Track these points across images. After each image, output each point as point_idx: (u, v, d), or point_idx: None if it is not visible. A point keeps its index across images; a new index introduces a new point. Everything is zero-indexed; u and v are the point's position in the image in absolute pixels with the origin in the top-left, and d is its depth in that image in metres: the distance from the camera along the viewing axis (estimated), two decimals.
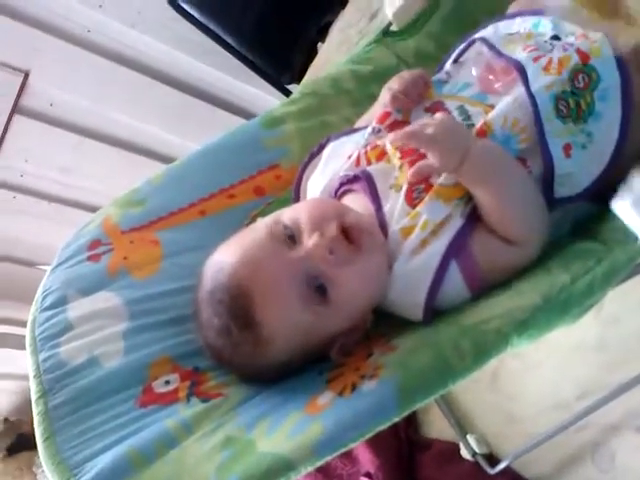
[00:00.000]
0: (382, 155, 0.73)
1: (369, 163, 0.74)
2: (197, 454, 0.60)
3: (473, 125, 0.69)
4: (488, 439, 1.03)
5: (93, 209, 2.17)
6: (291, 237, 0.66)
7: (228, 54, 1.91)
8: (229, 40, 1.90)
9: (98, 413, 0.65)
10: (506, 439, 1.01)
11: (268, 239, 0.66)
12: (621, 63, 0.67)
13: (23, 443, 2.33)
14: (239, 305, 0.63)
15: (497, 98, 0.71)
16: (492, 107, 0.70)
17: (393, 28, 0.97)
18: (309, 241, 0.65)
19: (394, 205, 0.69)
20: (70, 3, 1.86)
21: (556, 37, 0.73)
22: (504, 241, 0.66)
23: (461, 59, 0.80)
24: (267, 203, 0.86)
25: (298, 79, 1.86)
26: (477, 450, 1.01)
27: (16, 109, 1.94)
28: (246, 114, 2.23)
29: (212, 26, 1.88)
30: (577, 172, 0.67)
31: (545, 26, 0.75)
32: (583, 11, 0.69)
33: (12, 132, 1.96)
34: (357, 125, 0.85)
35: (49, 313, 0.73)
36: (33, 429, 0.65)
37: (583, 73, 0.67)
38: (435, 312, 0.67)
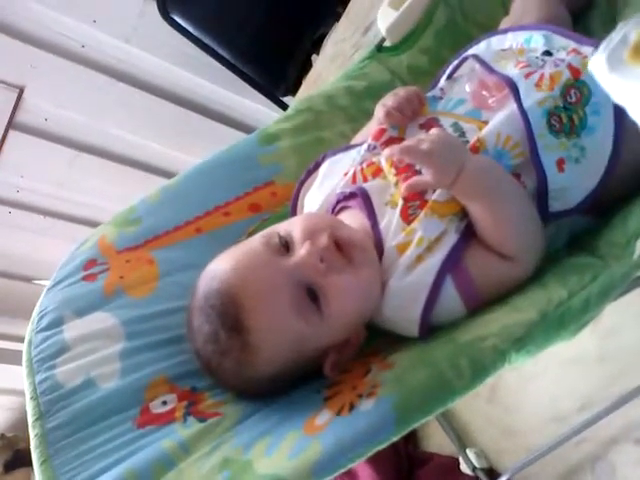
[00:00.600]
0: (378, 172, 0.74)
1: (365, 180, 0.74)
2: (195, 476, 0.59)
3: (467, 142, 0.69)
4: (488, 453, 1.02)
5: (89, 223, 2.18)
6: (284, 246, 0.67)
7: (223, 67, 1.92)
8: (223, 53, 1.90)
9: (95, 435, 0.64)
10: (506, 453, 1.01)
11: (262, 248, 0.67)
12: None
13: (20, 459, 2.31)
14: (229, 310, 0.63)
15: (491, 114, 0.71)
16: (486, 123, 0.70)
17: (386, 43, 0.97)
18: (301, 249, 0.65)
19: (390, 221, 0.69)
20: (64, 19, 1.87)
21: (548, 52, 0.73)
22: (499, 257, 0.66)
23: (455, 75, 0.81)
24: (263, 219, 0.86)
25: (293, 91, 1.87)
26: (477, 464, 1.01)
27: (11, 125, 1.94)
28: (242, 127, 2.23)
29: (205, 39, 1.89)
30: (571, 186, 0.68)
31: (537, 41, 0.76)
32: None
33: (7, 148, 1.96)
34: (353, 142, 0.85)
35: (45, 334, 0.72)
36: (30, 445, 0.65)
37: (575, 88, 0.68)
38: (431, 328, 0.67)
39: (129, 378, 0.69)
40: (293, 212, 0.84)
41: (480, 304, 0.66)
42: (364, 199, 0.72)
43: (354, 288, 0.66)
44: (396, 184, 0.70)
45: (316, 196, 0.79)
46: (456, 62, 0.80)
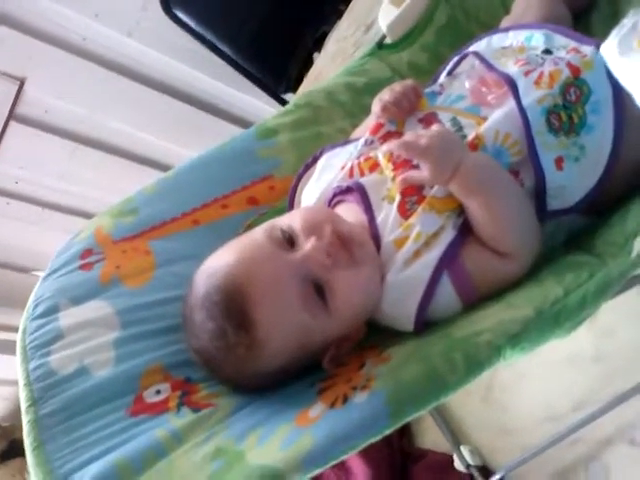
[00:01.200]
0: (375, 166, 0.74)
1: (362, 174, 0.74)
2: (187, 465, 0.59)
3: (465, 137, 0.69)
4: (482, 451, 1.02)
5: (87, 216, 2.18)
6: (289, 240, 0.67)
7: (224, 63, 1.92)
8: (224, 49, 1.90)
9: (88, 422, 0.64)
10: (500, 451, 1.01)
11: (265, 241, 0.67)
12: (612, 75, 0.67)
13: (16, 449, 2.31)
14: (235, 304, 0.63)
15: (490, 110, 0.71)
16: (485, 119, 0.70)
17: (387, 40, 0.97)
18: (307, 244, 0.65)
19: (387, 216, 0.69)
20: (66, 11, 1.87)
21: (548, 51, 0.73)
22: (496, 254, 0.66)
23: (455, 72, 0.81)
24: (261, 213, 0.86)
25: (294, 88, 1.87)
26: (471, 462, 1.01)
27: (11, 116, 1.93)
28: (242, 122, 2.23)
29: (207, 34, 1.89)
30: (570, 185, 0.68)
31: (537, 40, 0.76)
32: None
33: (7, 139, 1.95)
34: (352, 137, 0.85)
35: (40, 322, 0.72)
36: None
37: (574, 87, 0.68)
38: (427, 324, 0.67)
39: (123, 366, 0.69)
40: (290, 206, 0.83)
41: (476, 300, 0.66)
42: (361, 193, 0.72)
43: (359, 283, 0.66)
44: (393, 179, 0.70)
45: (313, 190, 0.79)
46: (456, 59, 0.80)
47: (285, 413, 0.61)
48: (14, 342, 0.73)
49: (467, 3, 0.95)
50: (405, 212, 0.68)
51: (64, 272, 0.78)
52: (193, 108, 2.15)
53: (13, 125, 1.95)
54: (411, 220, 0.67)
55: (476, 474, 1.00)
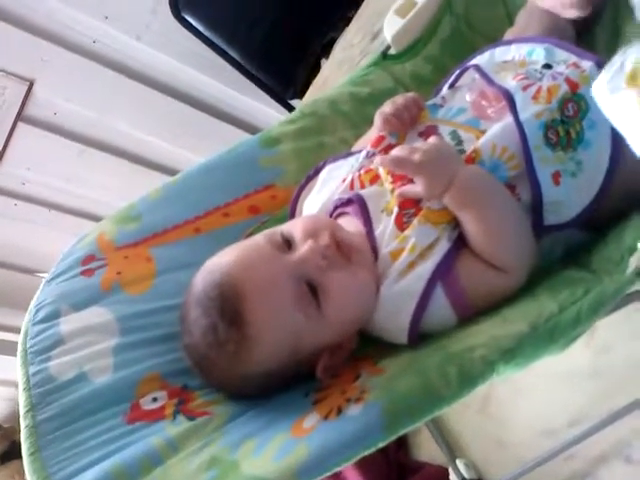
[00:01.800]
0: (375, 179, 0.74)
1: (362, 186, 0.75)
2: (182, 473, 0.59)
3: (464, 151, 0.70)
4: (477, 464, 1.02)
5: (93, 218, 2.19)
6: (287, 243, 0.68)
7: (232, 68, 1.93)
8: (233, 54, 1.91)
9: (85, 429, 0.65)
10: (495, 465, 1.00)
11: (264, 244, 0.68)
12: None
13: (16, 450, 2.32)
14: (229, 301, 0.64)
15: (489, 124, 0.72)
16: (484, 133, 0.71)
17: (392, 51, 0.97)
18: (303, 246, 0.66)
19: (385, 228, 0.70)
20: (76, 14, 1.88)
21: (548, 65, 0.74)
22: (490, 267, 0.66)
23: (457, 84, 0.81)
24: (262, 222, 0.86)
25: (301, 95, 1.87)
26: (466, 475, 1.01)
27: (20, 117, 1.95)
28: (249, 127, 2.24)
29: (216, 39, 1.90)
30: (566, 200, 0.68)
31: (538, 54, 0.76)
32: None
33: (15, 140, 1.97)
34: (354, 148, 0.86)
35: (41, 326, 0.73)
36: None
37: (572, 102, 0.68)
38: (422, 336, 0.67)
39: (121, 373, 0.69)
40: (292, 216, 0.84)
41: (471, 313, 0.67)
42: (360, 206, 0.72)
43: (353, 286, 0.67)
44: (392, 191, 0.71)
45: (315, 201, 0.80)
46: (458, 71, 0.81)
47: (280, 422, 0.61)
48: (11, 342, 0.74)
49: (471, 15, 0.95)
50: (402, 224, 0.69)
51: (66, 277, 0.79)
52: (200, 112, 2.16)
53: (21, 126, 1.97)
54: (407, 232, 0.68)
55: None
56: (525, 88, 0.70)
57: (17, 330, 0.76)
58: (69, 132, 2.04)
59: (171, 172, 2.19)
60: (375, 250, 0.70)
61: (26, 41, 1.86)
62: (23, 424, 0.66)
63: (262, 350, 0.64)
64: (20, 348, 0.73)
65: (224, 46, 1.91)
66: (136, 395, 0.68)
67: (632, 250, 0.61)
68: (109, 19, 1.91)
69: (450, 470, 1.04)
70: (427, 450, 1.10)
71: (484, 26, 0.95)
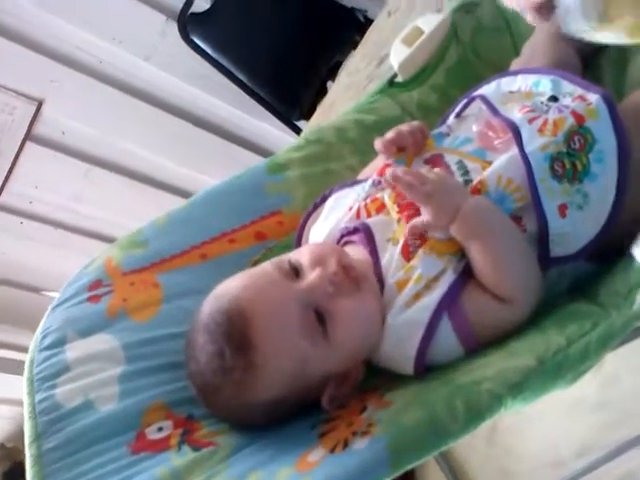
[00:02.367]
0: (381, 207, 0.74)
1: (369, 215, 0.75)
2: None
3: (471, 181, 0.70)
4: None
5: (100, 237, 2.20)
6: (294, 270, 0.68)
7: (239, 90, 1.95)
8: (240, 76, 1.93)
9: (90, 458, 0.65)
10: None
11: (273, 271, 0.68)
12: (618, 125, 0.68)
13: (20, 470, 2.31)
14: (235, 327, 0.64)
15: (496, 155, 0.72)
16: (490, 163, 0.71)
17: (398, 79, 0.98)
18: (312, 274, 0.67)
19: (391, 258, 0.70)
20: (86, 35, 1.91)
21: (554, 98, 0.74)
22: (496, 299, 0.66)
23: (463, 114, 0.81)
24: (268, 248, 0.86)
25: (307, 116, 1.88)
26: None
27: (28, 136, 1.97)
28: (255, 148, 2.26)
29: (224, 61, 1.92)
30: (573, 232, 0.68)
31: (545, 86, 0.77)
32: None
33: (23, 159, 1.99)
34: (360, 176, 0.86)
35: (47, 353, 0.73)
36: None
37: (579, 135, 0.68)
38: (428, 367, 0.67)
39: (127, 402, 0.69)
40: (298, 244, 0.84)
41: (477, 344, 0.66)
42: (367, 235, 0.72)
43: (361, 313, 0.67)
44: (398, 221, 0.71)
45: (321, 229, 0.80)
46: (465, 101, 0.81)
47: (286, 456, 0.61)
48: (15, 361, 0.74)
49: (478, 44, 0.96)
50: (408, 254, 0.69)
51: (73, 303, 0.79)
52: (207, 132, 2.18)
53: (30, 145, 1.99)
54: (412, 262, 0.68)
55: None
56: (531, 120, 0.70)
57: (22, 348, 0.76)
58: (77, 152, 2.06)
59: (178, 192, 2.21)
60: (381, 280, 0.70)
61: (35, 62, 1.88)
62: (28, 453, 0.66)
63: (268, 377, 0.64)
64: (26, 375, 0.73)
65: (231, 68, 1.93)
66: (141, 424, 0.68)
67: (639, 285, 0.61)
68: (118, 40, 1.94)
69: None
70: (433, 478, 1.09)
71: (490, 55, 0.95)
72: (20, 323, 2.06)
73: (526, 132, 0.69)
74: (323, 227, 0.80)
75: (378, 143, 0.77)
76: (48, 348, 0.74)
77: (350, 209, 0.77)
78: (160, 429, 0.68)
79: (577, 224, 0.67)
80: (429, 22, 0.96)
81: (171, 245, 0.85)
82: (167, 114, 2.10)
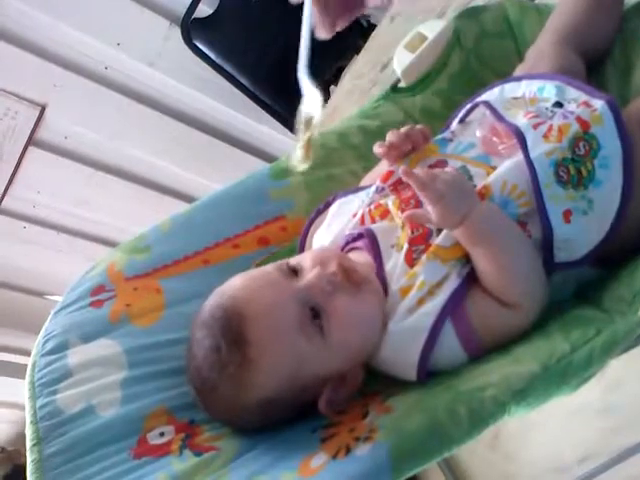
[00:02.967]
0: (386, 214, 0.74)
1: (373, 221, 0.75)
2: None
3: (475, 186, 0.70)
4: None
5: (102, 241, 2.21)
6: (294, 271, 0.68)
7: (242, 94, 1.95)
8: (243, 81, 1.94)
9: (91, 464, 0.65)
10: None
11: (273, 271, 0.69)
12: (623, 132, 0.68)
13: (19, 474, 2.31)
14: (232, 321, 0.64)
15: (500, 160, 0.72)
16: (494, 169, 0.71)
17: (401, 84, 0.98)
18: (310, 273, 0.67)
19: (395, 264, 0.70)
20: (89, 40, 1.91)
21: (559, 104, 0.74)
22: (500, 304, 0.66)
23: (467, 119, 0.81)
24: (271, 253, 0.86)
25: None
26: None
27: (31, 141, 1.97)
28: (258, 153, 2.26)
29: (227, 66, 1.92)
30: (577, 238, 0.67)
31: (549, 91, 0.76)
32: None
33: (26, 163, 1.99)
34: (363, 182, 0.86)
35: (49, 358, 0.73)
36: None
37: (584, 141, 0.68)
38: (431, 373, 0.66)
39: (129, 407, 0.69)
40: (301, 250, 0.84)
41: (481, 350, 0.66)
42: (371, 241, 0.72)
43: (357, 312, 0.67)
44: (402, 227, 0.71)
45: (324, 235, 0.80)
46: (468, 106, 0.81)
47: (287, 461, 0.60)
48: (16, 364, 0.74)
49: (481, 50, 0.96)
50: (411, 260, 0.69)
51: (75, 308, 0.79)
52: (211, 137, 2.18)
53: (32, 150, 1.99)
54: (416, 269, 0.68)
55: None
56: (536, 126, 0.70)
57: (23, 352, 0.76)
58: (79, 156, 2.06)
59: (181, 197, 2.21)
60: (385, 285, 0.70)
61: (38, 66, 1.89)
62: (30, 458, 0.66)
63: (264, 373, 0.64)
64: (28, 380, 0.72)
65: (234, 72, 1.93)
66: (143, 429, 0.68)
67: None
68: (121, 45, 1.94)
69: None
70: None
71: (493, 61, 0.95)
72: (23, 327, 2.06)
73: (531, 138, 0.69)
74: (327, 233, 0.79)
75: (377, 147, 0.77)
76: (50, 353, 0.74)
77: (354, 215, 0.77)
78: (162, 434, 0.68)
79: (581, 230, 0.67)
80: (432, 28, 0.96)
81: (174, 250, 0.85)
82: (170, 119, 2.11)
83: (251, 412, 0.67)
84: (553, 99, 0.75)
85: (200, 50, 1.90)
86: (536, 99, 0.76)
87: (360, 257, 0.73)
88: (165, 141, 2.12)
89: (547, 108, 0.73)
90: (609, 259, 0.70)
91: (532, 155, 0.68)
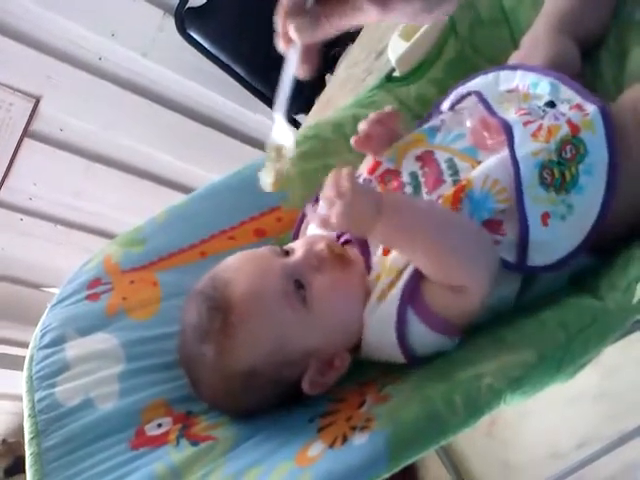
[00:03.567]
0: None
1: None
2: None
3: (459, 180, 0.69)
4: None
5: (99, 233, 2.21)
6: (285, 252, 0.70)
7: (237, 83, 1.94)
8: (238, 70, 1.93)
9: (90, 456, 0.65)
10: None
11: (265, 250, 0.71)
12: (612, 141, 0.66)
13: (21, 465, 2.32)
14: (217, 290, 0.66)
15: (487, 155, 0.70)
16: (480, 163, 0.70)
17: (396, 73, 0.97)
18: (299, 251, 0.69)
19: (378, 255, 0.70)
20: (83, 31, 1.90)
21: (551, 103, 0.73)
22: (449, 289, 0.64)
23: (458, 107, 0.80)
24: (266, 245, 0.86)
25: (305, 110, 1.88)
26: None
27: (26, 133, 1.97)
28: (254, 142, 2.25)
29: (221, 56, 1.91)
30: (553, 242, 0.66)
31: (543, 88, 0.75)
32: None
33: (22, 156, 1.99)
34: (358, 172, 0.86)
35: (47, 351, 0.74)
36: None
37: (571, 145, 0.66)
38: (425, 358, 0.66)
39: (127, 400, 0.69)
40: (295, 240, 0.84)
41: (457, 329, 0.65)
42: None
43: (341, 287, 0.68)
44: None
45: (317, 229, 0.79)
46: (461, 92, 0.80)
47: (285, 450, 0.61)
48: (16, 356, 0.74)
49: (476, 38, 0.95)
50: (387, 250, 0.69)
51: (72, 301, 0.79)
52: (206, 127, 2.18)
53: (28, 142, 1.98)
54: (388, 256, 0.68)
55: None
56: (526, 124, 0.69)
57: (22, 344, 0.76)
58: (75, 148, 2.06)
59: (178, 187, 2.21)
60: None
61: (32, 58, 1.88)
62: (28, 451, 0.66)
63: (244, 340, 0.65)
64: (26, 373, 0.73)
65: (229, 62, 1.92)
66: (141, 421, 0.68)
67: (638, 279, 0.61)
68: (115, 36, 1.93)
69: None
70: (433, 472, 1.09)
71: (488, 48, 0.94)
72: (21, 319, 2.07)
73: (519, 135, 0.68)
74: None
75: (352, 140, 0.78)
76: (47, 346, 0.74)
77: None
78: (159, 425, 0.68)
79: (558, 234, 0.66)
80: None
81: (170, 243, 0.85)
82: (165, 109, 2.10)
83: (234, 387, 0.67)
84: (546, 97, 0.73)
85: (194, 39, 1.89)
86: (529, 95, 0.75)
87: (351, 250, 0.73)
88: (161, 131, 2.11)
89: (539, 107, 0.72)
90: (603, 247, 0.69)
91: (518, 154, 0.66)
